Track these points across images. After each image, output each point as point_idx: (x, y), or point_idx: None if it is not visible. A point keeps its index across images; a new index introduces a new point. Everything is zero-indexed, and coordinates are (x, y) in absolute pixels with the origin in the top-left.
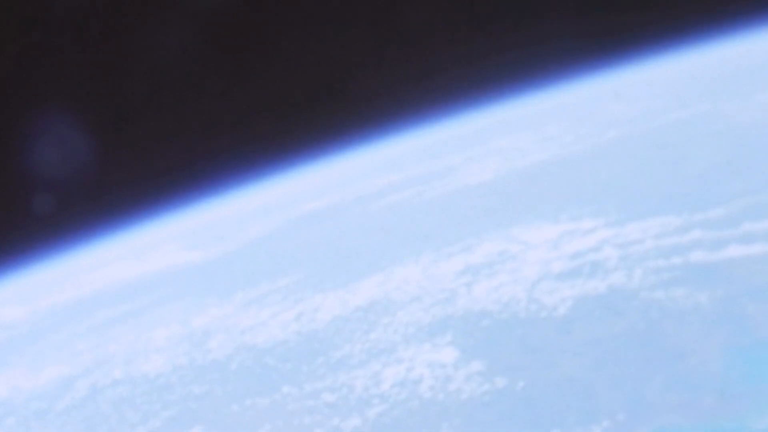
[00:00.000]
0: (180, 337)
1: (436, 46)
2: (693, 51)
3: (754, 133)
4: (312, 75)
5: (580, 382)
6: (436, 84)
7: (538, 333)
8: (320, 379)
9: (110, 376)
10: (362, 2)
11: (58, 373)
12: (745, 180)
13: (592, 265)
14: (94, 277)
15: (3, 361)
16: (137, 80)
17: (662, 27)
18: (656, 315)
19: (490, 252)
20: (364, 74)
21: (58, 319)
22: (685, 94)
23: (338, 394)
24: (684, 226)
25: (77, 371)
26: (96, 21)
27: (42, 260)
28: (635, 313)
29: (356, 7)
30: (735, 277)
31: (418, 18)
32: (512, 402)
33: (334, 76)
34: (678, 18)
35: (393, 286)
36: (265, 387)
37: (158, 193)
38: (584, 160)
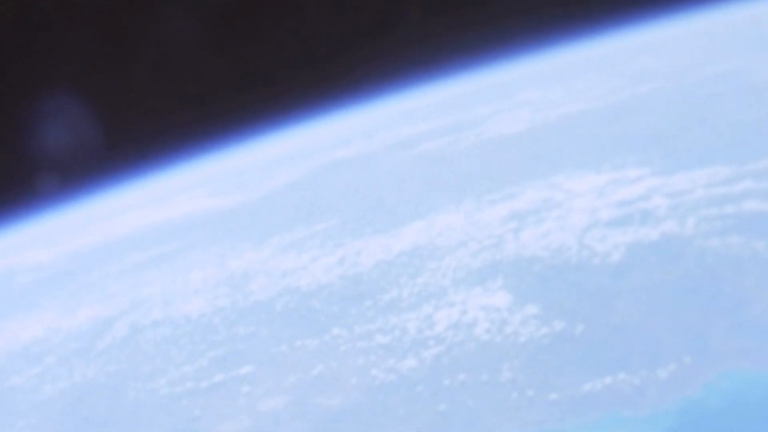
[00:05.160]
0: (218, 280)
1: None
2: (723, 6)
3: None
4: (339, 25)
5: (641, 326)
6: (461, 35)
7: (593, 278)
8: (370, 322)
9: (150, 317)
10: None
11: (95, 314)
12: None
13: (641, 213)
14: (119, 221)
15: (35, 302)
16: (165, 32)
17: None
18: (713, 262)
19: (534, 199)
20: (392, 26)
21: (87, 262)
22: (716, 49)
23: (391, 335)
24: (733, 176)
25: (114, 312)
26: None
27: (66, 204)
28: (691, 260)
29: None
30: None
31: None
32: (573, 345)
33: (361, 27)
34: None
35: (436, 232)
36: (313, 329)
37: (182, 140)
38: (620, 112)
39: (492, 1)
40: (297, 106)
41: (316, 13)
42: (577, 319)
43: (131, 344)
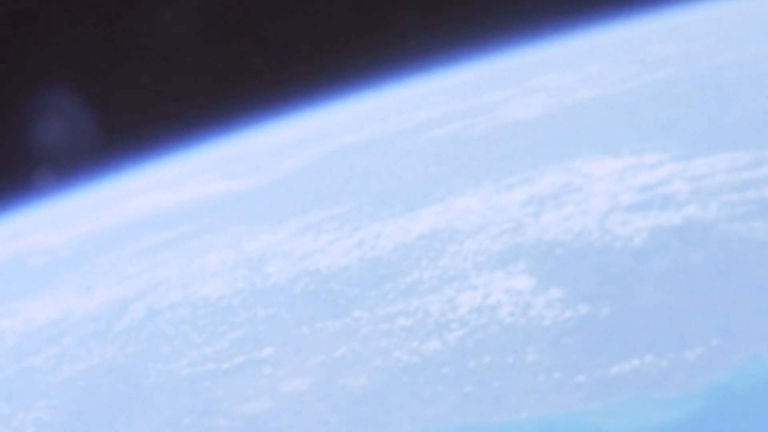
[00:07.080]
0: (235, 262)
1: None
2: None
3: None
4: (352, 8)
5: (667, 309)
6: (475, 20)
7: (616, 262)
8: (392, 304)
9: (167, 299)
10: None
11: (111, 296)
12: None
13: (663, 198)
14: (132, 205)
15: (49, 284)
16: (175, 13)
17: None
18: (737, 247)
19: (553, 184)
20: (404, 9)
21: (100, 244)
22: (732, 35)
23: (414, 318)
24: (754, 161)
25: (130, 294)
26: None
27: (77, 189)
28: (715, 244)
29: None
30: None
31: None
32: (599, 328)
33: (373, 11)
34: None
35: (455, 216)
36: (334, 311)
37: (194, 124)
38: (636, 97)
39: None
40: (310, 90)
41: None
42: (601, 302)
43: (149, 325)
